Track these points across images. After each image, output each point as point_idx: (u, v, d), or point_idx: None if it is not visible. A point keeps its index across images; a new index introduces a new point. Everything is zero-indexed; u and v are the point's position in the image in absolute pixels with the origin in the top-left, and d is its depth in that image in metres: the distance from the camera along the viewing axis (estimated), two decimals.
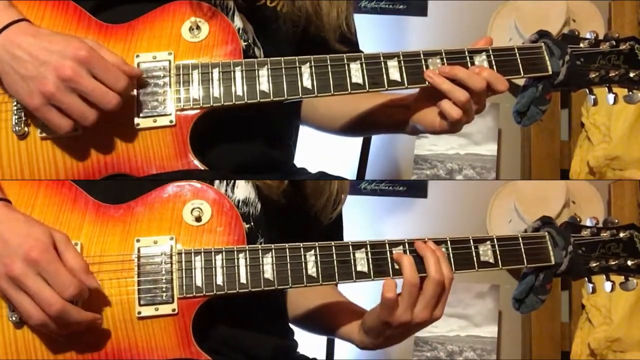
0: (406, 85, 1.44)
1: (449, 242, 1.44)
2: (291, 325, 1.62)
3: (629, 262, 1.48)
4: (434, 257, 1.40)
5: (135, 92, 1.37)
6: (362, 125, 1.70)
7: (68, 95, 1.29)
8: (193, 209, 1.38)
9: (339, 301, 1.65)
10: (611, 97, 1.51)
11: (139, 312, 1.32)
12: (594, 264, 1.48)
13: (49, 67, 1.28)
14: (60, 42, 1.30)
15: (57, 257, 1.25)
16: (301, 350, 1.58)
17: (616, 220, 1.52)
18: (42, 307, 1.23)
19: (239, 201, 1.43)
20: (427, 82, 1.45)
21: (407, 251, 1.42)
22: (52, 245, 1.26)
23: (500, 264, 1.45)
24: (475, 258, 1.45)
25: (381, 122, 1.66)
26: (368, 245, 1.41)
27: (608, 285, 1.49)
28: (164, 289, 1.33)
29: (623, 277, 1.50)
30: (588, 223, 1.52)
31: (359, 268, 1.39)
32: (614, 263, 1.48)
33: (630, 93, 1.51)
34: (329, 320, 1.61)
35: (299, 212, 1.55)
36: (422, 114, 1.52)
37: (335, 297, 1.65)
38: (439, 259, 1.41)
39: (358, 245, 1.40)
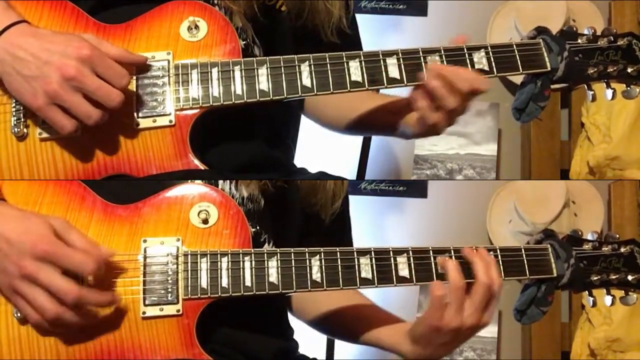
0: (405, 83, 1.44)
1: (452, 251, 1.44)
2: (292, 326, 1.62)
3: (630, 277, 1.49)
4: (483, 261, 1.41)
5: (134, 91, 1.37)
6: (358, 126, 1.71)
7: (72, 94, 1.29)
8: (200, 211, 1.38)
9: (369, 305, 1.64)
10: (609, 92, 1.51)
11: (144, 312, 1.32)
12: (595, 278, 1.49)
13: (52, 66, 1.28)
14: (62, 41, 1.31)
15: (62, 243, 1.25)
16: (301, 350, 1.58)
17: (617, 235, 1.52)
18: (60, 297, 1.23)
19: (243, 198, 1.43)
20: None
21: (411, 258, 1.42)
22: (53, 234, 1.26)
23: (503, 274, 1.45)
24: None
25: (375, 125, 1.67)
26: (372, 252, 1.41)
27: (608, 299, 1.50)
28: (169, 290, 1.33)
29: (623, 291, 1.51)
30: (589, 237, 1.52)
31: (362, 274, 1.40)
32: (614, 277, 1.49)
33: (629, 88, 1.51)
34: (359, 324, 1.60)
35: (299, 209, 1.56)
36: (411, 117, 1.53)
37: (359, 300, 1.65)
38: (488, 264, 1.41)
39: (362, 252, 1.41)
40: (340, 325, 1.65)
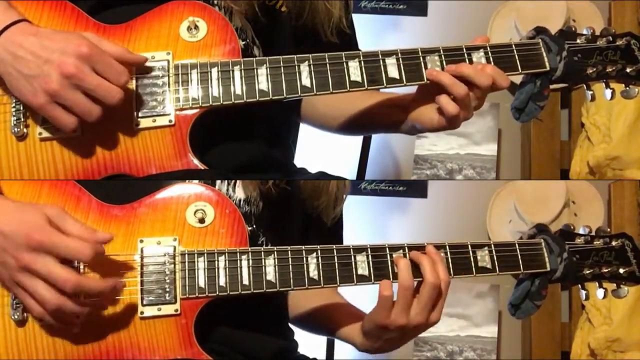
0: (405, 82, 1.44)
1: (447, 247, 1.45)
2: (291, 326, 1.62)
3: (621, 270, 1.50)
4: (429, 260, 1.41)
5: (134, 91, 1.37)
6: (359, 125, 1.70)
7: (72, 92, 1.29)
8: (196, 211, 1.38)
9: (339, 303, 1.65)
10: (608, 92, 1.52)
11: (142, 312, 1.32)
12: (588, 271, 1.50)
13: (52, 65, 1.28)
14: (62, 39, 1.31)
15: (57, 231, 1.25)
16: (301, 350, 1.58)
17: (608, 229, 1.54)
18: (59, 286, 1.23)
19: (240, 200, 1.43)
20: (427, 80, 1.45)
21: (407, 255, 1.42)
22: (48, 223, 1.26)
23: (497, 269, 1.46)
24: (473, 263, 1.45)
25: (378, 122, 1.66)
26: (369, 249, 1.41)
27: (600, 293, 1.51)
28: (166, 290, 1.33)
29: (615, 284, 1.52)
30: (581, 231, 1.54)
31: (359, 271, 1.40)
32: (606, 271, 1.50)
33: (628, 88, 1.52)
34: (329, 321, 1.61)
35: (300, 212, 1.56)
36: (420, 112, 1.53)
37: (335, 299, 1.66)
38: (435, 263, 1.41)
39: (359, 249, 1.41)
40: (314, 322, 1.67)
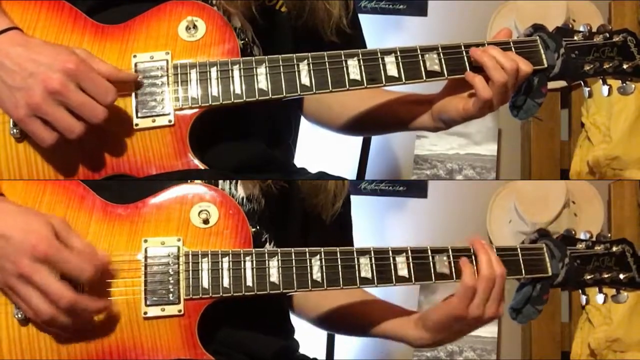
0: (404, 80, 1.44)
1: (450, 250, 1.45)
2: (292, 325, 1.62)
3: (621, 276, 1.51)
4: (492, 254, 1.44)
5: (133, 91, 1.37)
6: (380, 123, 1.71)
7: (54, 107, 1.28)
8: (201, 211, 1.38)
9: (372, 299, 1.65)
10: (605, 88, 1.53)
11: (145, 312, 1.32)
12: (589, 277, 1.51)
13: (37, 79, 1.27)
14: (50, 53, 1.30)
15: (63, 245, 1.25)
16: (301, 350, 1.58)
17: (609, 235, 1.55)
18: (53, 301, 1.23)
19: (242, 198, 1.44)
20: (426, 78, 1.45)
21: (409, 258, 1.43)
22: (54, 234, 1.26)
23: None
24: (475, 268, 1.46)
25: (401, 119, 1.64)
26: (372, 252, 1.42)
27: (600, 298, 1.53)
28: (170, 290, 1.33)
29: (615, 289, 1.53)
30: (582, 236, 1.54)
31: (362, 274, 1.40)
32: (607, 276, 1.51)
33: (624, 84, 1.53)
34: (364, 318, 1.61)
35: (300, 210, 1.56)
36: (445, 102, 1.53)
37: (363, 296, 1.65)
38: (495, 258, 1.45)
39: (362, 252, 1.41)
40: (345, 321, 1.66)
